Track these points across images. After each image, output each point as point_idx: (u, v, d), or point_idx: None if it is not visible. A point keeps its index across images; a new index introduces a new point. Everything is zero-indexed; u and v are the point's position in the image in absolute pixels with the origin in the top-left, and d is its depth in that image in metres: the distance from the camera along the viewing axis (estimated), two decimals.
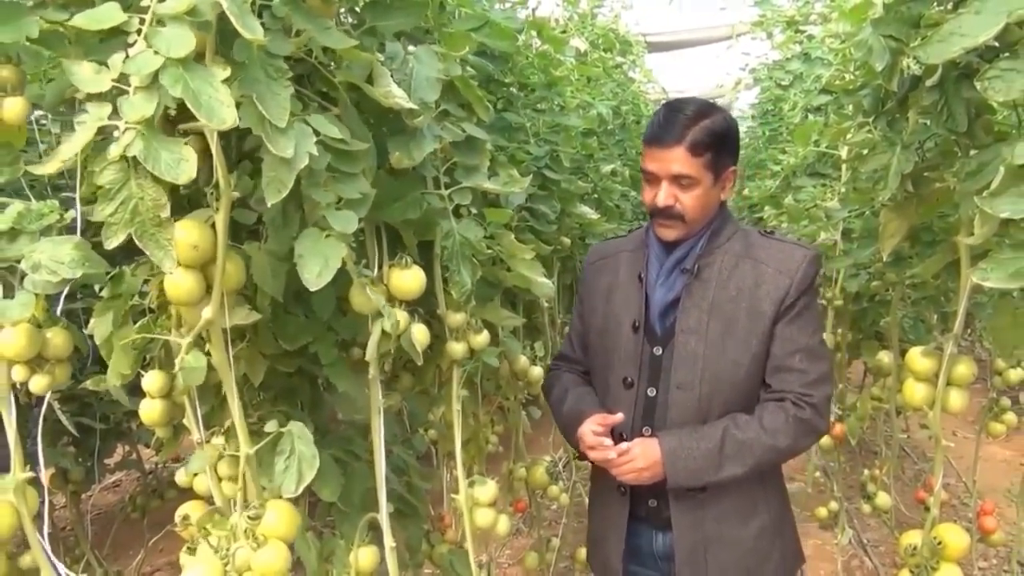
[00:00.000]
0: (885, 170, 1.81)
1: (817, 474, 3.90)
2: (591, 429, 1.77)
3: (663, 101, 6.90)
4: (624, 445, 1.73)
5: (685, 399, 1.76)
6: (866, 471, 3.11)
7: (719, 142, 1.72)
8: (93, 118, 1.00)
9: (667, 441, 1.72)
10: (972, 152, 1.60)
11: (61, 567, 1.24)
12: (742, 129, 7.13)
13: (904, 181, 1.80)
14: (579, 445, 1.84)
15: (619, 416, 1.77)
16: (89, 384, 1.47)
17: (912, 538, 1.89)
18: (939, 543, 1.85)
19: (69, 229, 1.20)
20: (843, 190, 2.90)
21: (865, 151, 2.04)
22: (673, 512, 1.79)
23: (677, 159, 1.69)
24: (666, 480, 1.71)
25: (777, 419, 1.70)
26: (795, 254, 1.76)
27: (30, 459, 1.32)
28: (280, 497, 1.30)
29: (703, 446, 1.69)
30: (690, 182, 1.71)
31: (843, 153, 2.90)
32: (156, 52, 0.98)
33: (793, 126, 4.01)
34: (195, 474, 1.48)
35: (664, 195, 1.73)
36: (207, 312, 1.15)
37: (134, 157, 0.99)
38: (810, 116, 3.72)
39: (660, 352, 1.81)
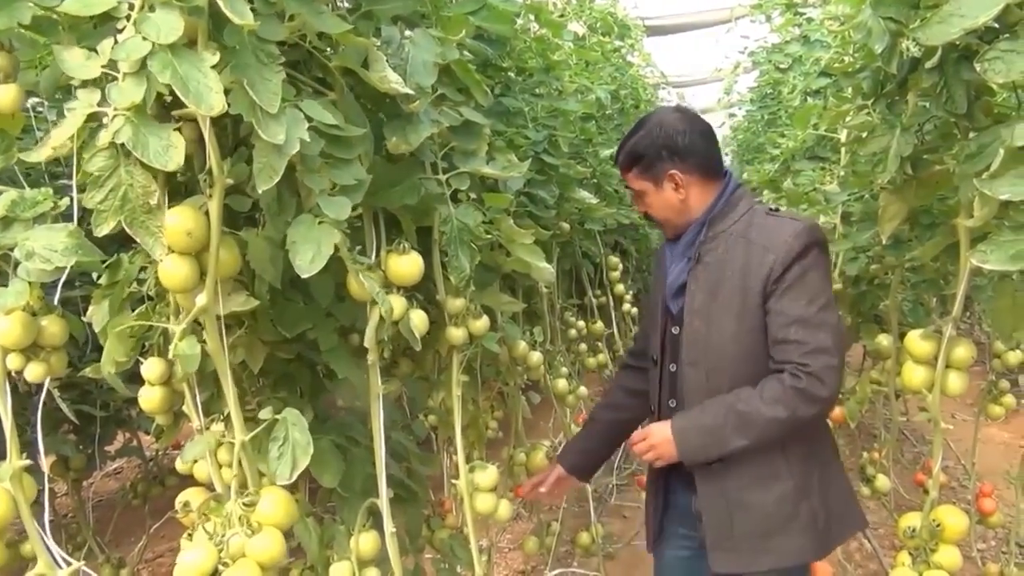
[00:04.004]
0: (884, 153, 1.80)
1: None
2: (533, 483, 2.30)
3: (661, 85, 6.86)
4: (638, 432, 1.96)
5: (695, 375, 1.90)
6: (865, 454, 3.11)
7: (640, 156, 1.95)
8: (83, 104, 0.99)
9: (677, 421, 1.87)
10: (972, 134, 1.60)
11: (58, 552, 1.24)
12: (740, 113, 7.06)
13: (903, 164, 1.79)
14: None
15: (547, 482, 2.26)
16: (88, 371, 1.47)
17: (911, 520, 1.90)
18: (938, 525, 1.86)
19: (66, 217, 1.19)
20: (842, 173, 2.89)
21: (864, 134, 2.03)
22: (697, 480, 1.92)
23: (627, 180, 2.02)
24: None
25: (775, 390, 1.76)
26: (783, 229, 1.83)
27: (30, 446, 1.31)
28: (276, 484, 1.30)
29: (708, 422, 1.82)
30: (640, 193, 1.99)
31: (842, 136, 2.88)
32: (145, 38, 0.98)
33: (792, 109, 3.99)
34: (195, 461, 1.48)
35: (638, 207, 2.08)
36: (201, 299, 1.15)
37: (123, 144, 0.98)
38: (809, 99, 3.70)
39: (677, 332, 1.96)
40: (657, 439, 1.88)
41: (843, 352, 1.83)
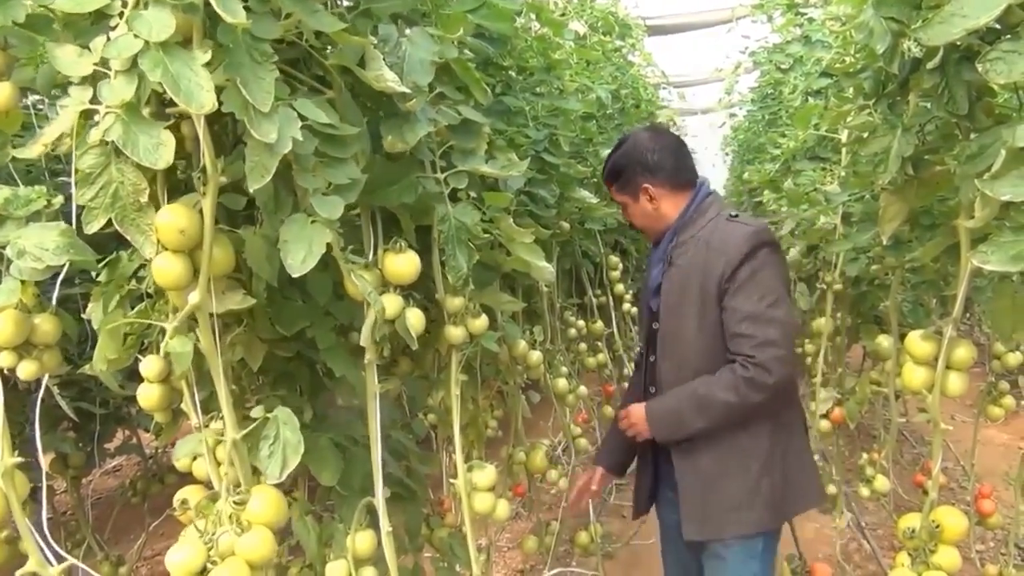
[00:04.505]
0: (885, 153, 1.80)
1: (816, 457, 3.89)
2: (579, 491, 2.53)
3: (662, 85, 6.86)
4: (623, 411, 2.27)
5: (668, 366, 2.18)
6: (864, 455, 3.10)
7: (618, 173, 2.27)
8: (75, 101, 0.99)
9: (650, 404, 2.19)
10: (973, 135, 1.59)
11: (54, 549, 1.24)
12: (741, 113, 7.07)
13: (904, 164, 1.79)
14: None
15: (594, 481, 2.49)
16: (86, 369, 1.47)
17: (910, 521, 1.90)
18: (937, 526, 1.86)
19: (66, 214, 1.19)
20: (843, 174, 2.88)
21: (865, 134, 2.03)
22: (674, 457, 2.19)
23: (611, 193, 2.35)
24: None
25: (728, 379, 2.00)
26: (735, 233, 2.06)
27: (29, 444, 1.31)
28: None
29: (673, 405, 2.12)
30: (623, 205, 2.31)
31: (843, 136, 2.88)
32: (136, 36, 0.97)
33: (793, 109, 3.98)
34: (193, 459, 1.47)
35: (624, 217, 2.40)
36: (193, 297, 1.14)
37: (114, 141, 0.98)
38: (810, 99, 3.69)
39: (657, 327, 2.22)
40: (635, 419, 2.20)
41: (791, 343, 2.03)
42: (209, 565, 1.22)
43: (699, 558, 2.28)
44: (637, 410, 2.20)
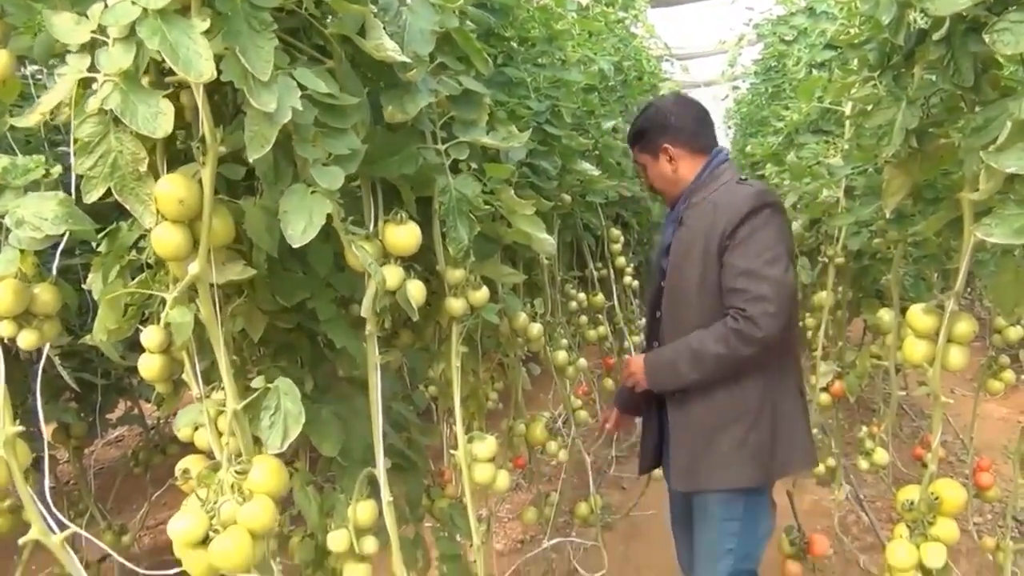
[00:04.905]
0: (890, 126, 1.78)
1: (815, 431, 3.91)
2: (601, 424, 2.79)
3: (665, 57, 6.81)
4: (624, 361, 2.43)
5: (670, 320, 2.29)
6: (864, 428, 3.11)
7: (641, 134, 2.39)
8: (73, 70, 0.98)
9: (649, 355, 2.33)
10: (978, 107, 1.58)
11: (53, 519, 1.24)
12: (744, 86, 7.02)
13: (908, 137, 1.77)
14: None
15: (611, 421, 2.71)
16: (87, 339, 1.47)
17: (909, 493, 1.91)
18: (936, 498, 1.87)
19: (65, 184, 1.18)
20: (846, 147, 2.86)
21: (869, 107, 2.01)
22: (669, 410, 2.31)
23: (634, 155, 2.47)
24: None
25: (719, 331, 2.08)
26: (739, 194, 2.16)
27: (31, 414, 1.32)
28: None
29: (669, 357, 2.23)
30: (643, 166, 2.43)
31: (847, 109, 2.86)
32: (134, 3, 0.96)
33: (797, 82, 3.95)
34: (195, 429, 1.48)
35: (644, 180, 2.51)
36: (193, 267, 1.14)
37: (112, 110, 0.97)
38: (814, 72, 3.66)
39: (663, 284, 2.32)
40: (634, 368, 2.33)
41: (784, 301, 2.05)
42: (211, 533, 1.23)
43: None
44: (636, 361, 2.34)
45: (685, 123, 2.33)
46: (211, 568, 1.24)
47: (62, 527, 1.26)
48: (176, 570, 1.32)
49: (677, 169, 2.32)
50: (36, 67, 1.80)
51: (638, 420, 2.70)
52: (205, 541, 1.23)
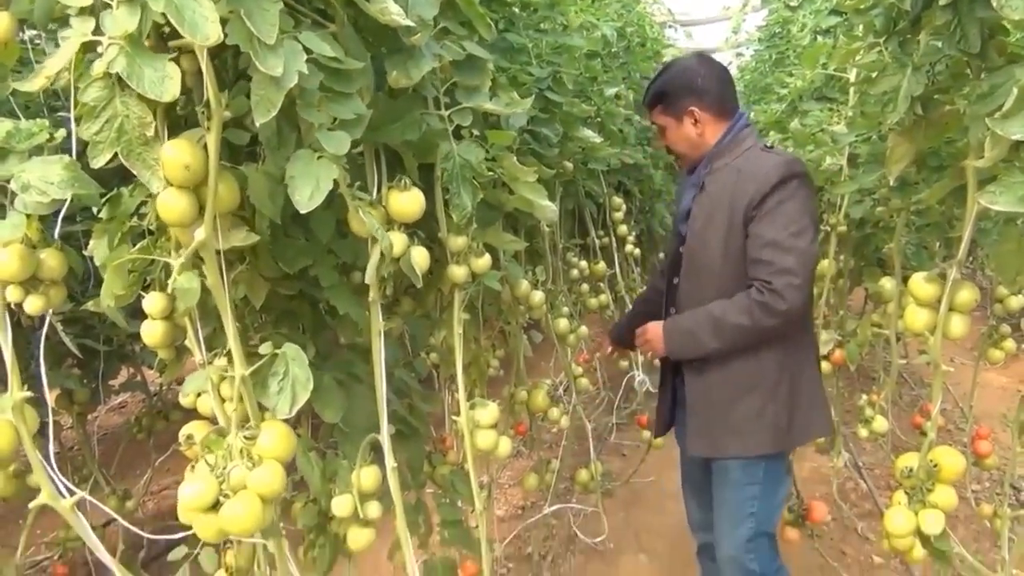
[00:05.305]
0: (894, 92, 1.77)
1: None
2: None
3: (668, 23, 6.76)
4: (640, 328, 2.38)
5: (688, 287, 2.28)
6: (864, 396, 3.13)
7: (664, 95, 2.30)
8: (76, 33, 0.97)
9: (667, 322, 2.30)
10: (984, 74, 1.57)
11: (62, 482, 1.25)
12: (748, 53, 6.96)
13: (913, 104, 1.76)
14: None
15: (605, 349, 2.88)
16: (90, 305, 1.47)
17: (908, 460, 1.92)
18: (935, 466, 1.88)
19: (65, 150, 1.18)
20: (850, 114, 2.85)
21: (874, 73, 2.00)
22: (686, 376, 2.31)
23: (652, 116, 2.38)
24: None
25: (743, 302, 2.06)
26: (767, 163, 2.10)
27: (34, 380, 1.32)
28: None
29: (689, 325, 2.20)
30: (663, 129, 2.35)
31: (851, 76, 2.83)
32: None
33: (801, 49, 3.92)
34: (198, 395, 1.48)
35: (661, 141, 2.41)
36: (199, 233, 1.14)
37: (118, 74, 0.96)
38: (819, 38, 3.63)
39: (682, 250, 2.31)
40: (651, 335, 2.31)
41: (809, 274, 2.06)
42: (221, 499, 1.24)
43: (709, 474, 2.39)
44: (655, 328, 2.30)
45: (711, 85, 2.26)
46: (221, 532, 1.25)
47: (68, 492, 1.27)
48: (180, 534, 1.34)
49: (703, 132, 2.26)
50: (33, 32, 1.79)
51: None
52: (215, 506, 1.24)
